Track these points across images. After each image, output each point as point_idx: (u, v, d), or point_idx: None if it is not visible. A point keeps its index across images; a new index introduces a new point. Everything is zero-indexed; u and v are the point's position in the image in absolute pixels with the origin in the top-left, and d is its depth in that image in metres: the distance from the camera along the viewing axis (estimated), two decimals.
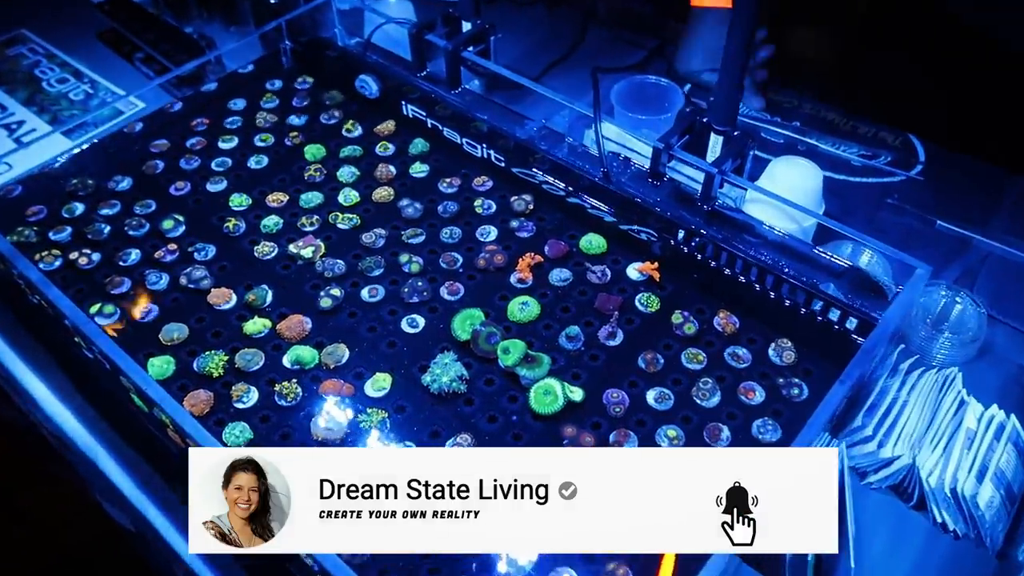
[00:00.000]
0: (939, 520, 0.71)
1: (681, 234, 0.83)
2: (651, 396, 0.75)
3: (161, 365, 0.77)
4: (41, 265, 0.87)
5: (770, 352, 0.78)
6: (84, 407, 0.83)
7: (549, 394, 0.74)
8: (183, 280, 0.85)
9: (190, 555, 0.73)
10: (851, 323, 0.75)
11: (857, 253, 0.87)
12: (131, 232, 0.91)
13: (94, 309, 0.82)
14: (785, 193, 0.84)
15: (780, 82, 1.18)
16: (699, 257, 0.83)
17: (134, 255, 0.88)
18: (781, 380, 0.75)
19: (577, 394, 0.74)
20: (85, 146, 1.00)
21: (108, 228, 0.91)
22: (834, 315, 0.76)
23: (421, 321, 0.81)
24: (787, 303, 0.79)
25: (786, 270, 0.79)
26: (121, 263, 0.87)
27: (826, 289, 0.77)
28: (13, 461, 1.64)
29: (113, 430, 0.81)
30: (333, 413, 0.74)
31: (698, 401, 0.74)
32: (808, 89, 1.17)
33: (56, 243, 0.90)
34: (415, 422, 0.74)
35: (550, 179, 0.92)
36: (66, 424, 0.81)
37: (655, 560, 0.64)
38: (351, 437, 0.73)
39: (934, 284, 0.85)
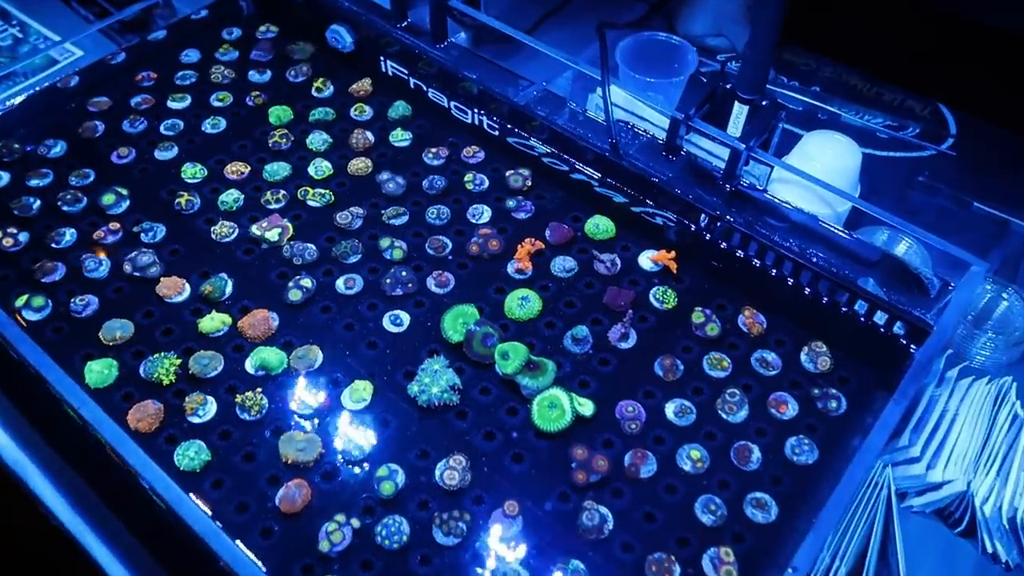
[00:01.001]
0: (990, 550, 0.63)
1: (704, 219, 0.73)
2: (670, 409, 0.66)
3: (101, 371, 0.66)
4: None
5: (802, 357, 0.69)
6: (11, 413, 0.71)
7: (555, 407, 0.64)
8: (127, 267, 0.73)
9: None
10: (899, 327, 0.66)
11: (893, 240, 0.78)
12: (65, 208, 0.78)
13: (20, 301, 0.70)
14: (819, 172, 0.74)
15: (795, 42, 1.07)
16: (723, 245, 0.73)
17: (68, 236, 0.76)
18: (816, 391, 0.66)
19: (587, 407, 0.65)
20: (14, 101, 0.86)
21: (38, 203, 0.78)
22: (880, 318, 0.67)
23: (406, 318, 0.71)
24: (824, 301, 0.70)
25: (823, 264, 0.70)
26: (54, 245, 0.75)
27: (864, 284, 0.68)
28: None
29: (46, 442, 0.70)
30: (306, 430, 0.64)
31: (723, 415, 0.65)
32: (828, 50, 1.06)
33: None
34: (400, 440, 0.64)
35: (551, 151, 0.81)
36: None
37: None
38: (327, 458, 0.62)
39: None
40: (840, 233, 0.72)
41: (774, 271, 0.71)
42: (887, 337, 0.67)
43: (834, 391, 0.66)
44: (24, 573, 1.30)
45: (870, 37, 1.08)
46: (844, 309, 0.68)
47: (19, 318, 0.69)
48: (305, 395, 0.65)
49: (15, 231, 0.75)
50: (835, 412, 0.65)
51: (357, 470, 0.62)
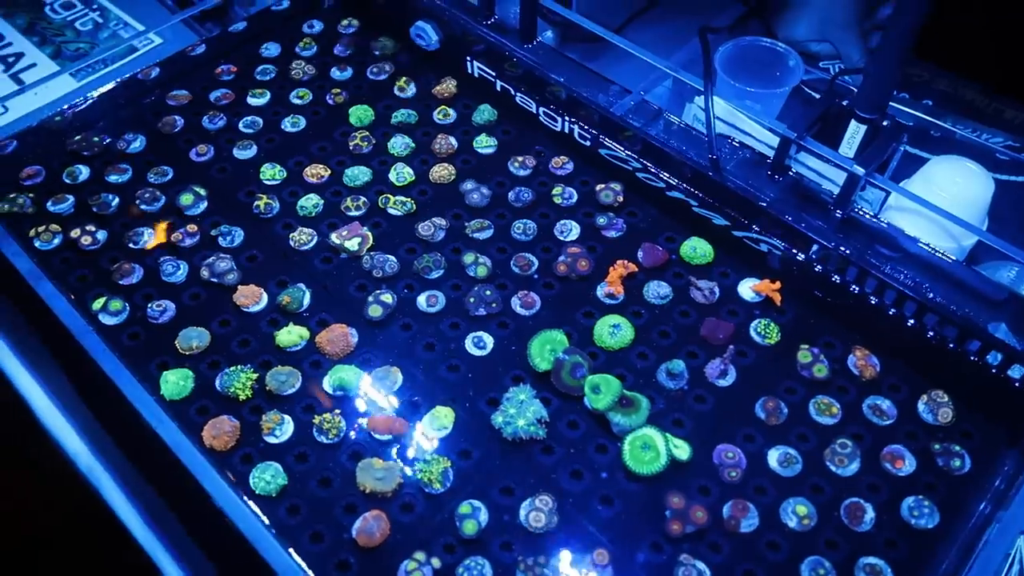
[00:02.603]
0: None
1: (815, 249, 0.68)
2: (774, 457, 0.61)
3: (177, 381, 0.64)
4: (38, 243, 0.73)
5: (920, 407, 0.63)
6: (87, 419, 0.70)
7: (649, 448, 0.60)
8: (205, 273, 0.71)
9: None
10: None
11: (1022, 278, 0.71)
12: (144, 206, 0.76)
13: (98, 304, 0.68)
14: (944, 202, 0.68)
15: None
16: (835, 279, 0.68)
17: (146, 236, 0.74)
18: (937, 446, 0.61)
19: (683, 451, 0.60)
20: (93, 94, 0.84)
21: (116, 200, 0.77)
22: (1016, 372, 0.60)
23: (489, 341, 0.67)
24: (950, 347, 0.63)
25: (940, 299, 0.63)
26: (132, 245, 0.73)
27: (994, 330, 0.62)
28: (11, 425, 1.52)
29: (119, 449, 0.68)
30: (384, 458, 0.61)
31: (832, 468, 0.60)
32: (943, 60, 0.99)
33: (55, 216, 0.75)
34: (482, 474, 0.60)
35: (645, 164, 0.76)
36: (66, 440, 0.69)
37: None
38: (406, 489, 0.59)
39: None
40: (965, 269, 0.66)
41: (892, 310, 0.65)
42: (1019, 390, 0.61)
43: (957, 447, 0.60)
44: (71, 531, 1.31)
45: (991, 47, 1.00)
46: (973, 358, 0.62)
47: (97, 322, 0.68)
48: (384, 421, 0.62)
49: (93, 229, 0.74)
50: (958, 471, 0.60)
51: (437, 504, 0.59)
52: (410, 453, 0.61)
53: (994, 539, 0.50)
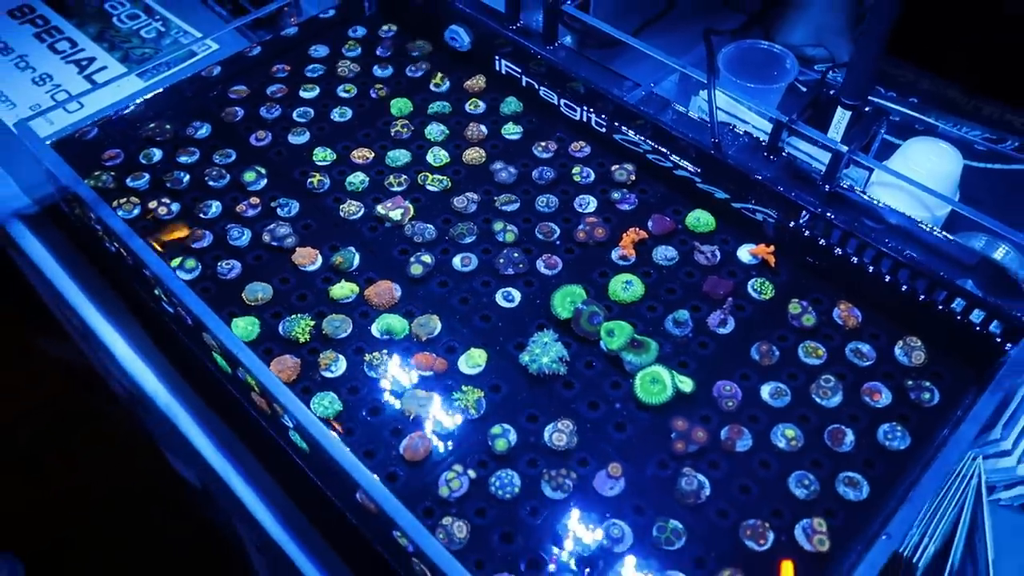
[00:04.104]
0: None
1: (805, 216, 0.77)
2: (766, 391, 0.69)
3: (246, 327, 0.74)
4: (120, 212, 0.83)
5: (896, 351, 0.72)
6: (161, 362, 0.80)
7: (657, 383, 0.69)
8: (266, 237, 0.81)
9: (266, 518, 0.70)
10: (995, 326, 0.69)
11: (991, 247, 0.80)
12: (211, 183, 0.86)
13: (175, 263, 0.78)
14: (919, 177, 0.77)
15: (894, 53, 1.09)
16: (821, 242, 0.77)
17: (215, 207, 0.84)
18: (910, 382, 0.69)
19: (687, 384, 0.69)
20: (161, 89, 0.95)
21: (187, 177, 0.87)
22: (977, 316, 0.69)
23: (517, 295, 0.76)
24: (921, 298, 0.72)
25: (917, 261, 0.72)
26: (201, 215, 0.83)
27: (963, 284, 0.71)
28: (67, 401, 1.65)
29: (191, 388, 0.78)
30: (426, 389, 0.70)
31: (817, 400, 0.69)
32: (928, 63, 1.08)
33: (134, 190, 0.86)
34: (512, 404, 0.69)
35: (655, 146, 0.86)
36: (144, 379, 0.79)
37: (772, 570, 0.60)
38: (444, 416, 0.68)
39: None
40: (938, 235, 0.75)
41: (871, 268, 0.74)
42: (983, 335, 0.69)
43: (928, 384, 0.69)
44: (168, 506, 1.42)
45: (970, 51, 1.09)
46: (940, 307, 0.71)
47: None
48: (426, 359, 0.71)
49: (168, 201, 0.84)
50: (928, 403, 0.68)
51: (473, 427, 0.68)
52: (448, 386, 0.70)
53: (944, 455, 0.58)
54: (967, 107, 1.04)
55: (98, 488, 1.58)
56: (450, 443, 0.67)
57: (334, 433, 0.62)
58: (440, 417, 0.68)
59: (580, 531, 0.62)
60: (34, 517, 1.54)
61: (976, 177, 0.95)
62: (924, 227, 0.76)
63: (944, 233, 0.75)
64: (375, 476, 0.59)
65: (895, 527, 0.54)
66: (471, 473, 0.65)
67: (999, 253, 0.79)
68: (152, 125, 0.92)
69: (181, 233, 0.82)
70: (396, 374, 0.71)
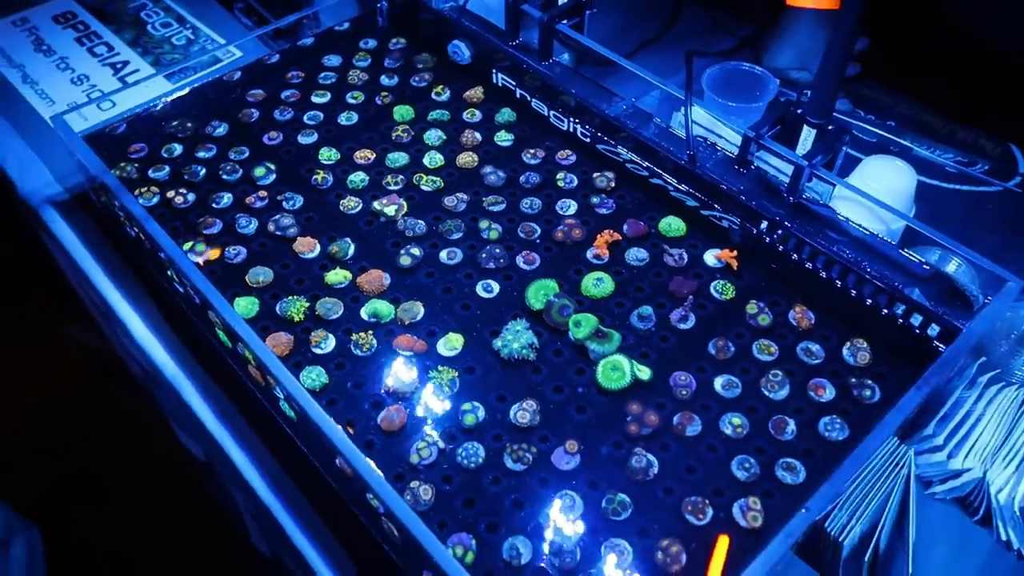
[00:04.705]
0: (1004, 538, 0.69)
1: (764, 224, 0.82)
2: (719, 383, 0.75)
3: (246, 305, 0.81)
4: (141, 200, 0.91)
5: (844, 351, 0.77)
6: (171, 338, 0.87)
7: (617, 370, 0.74)
8: (271, 227, 0.88)
9: (258, 484, 0.77)
10: (933, 330, 0.74)
11: (945, 260, 0.85)
12: (225, 176, 0.94)
13: (187, 246, 0.86)
14: (876, 192, 0.82)
15: (875, 78, 1.15)
16: (780, 249, 0.82)
17: (226, 199, 0.92)
18: (853, 380, 0.74)
19: (645, 373, 0.75)
20: (186, 91, 1.03)
21: (203, 171, 0.95)
22: (916, 320, 0.74)
23: (496, 287, 0.83)
24: (868, 303, 0.77)
25: (869, 270, 0.78)
26: (214, 205, 0.91)
27: (910, 294, 0.76)
28: (90, 386, 1.74)
29: (196, 362, 0.85)
30: (405, 367, 0.76)
31: (766, 392, 0.74)
32: (907, 89, 1.14)
33: (155, 181, 0.94)
34: (483, 384, 0.76)
35: (634, 158, 0.92)
36: (155, 353, 0.86)
37: (708, 542, 0.65)
38: (420, 391, 0.75)
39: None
40: (892, 247, 0.80)
41: (824, 273, 0.79)
42: (921, 338, 0.74)
43: (870, 381, 0.74)
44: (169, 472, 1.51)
45: (949, 79, 1.14)
46: (885, 311, 0.76)
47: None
48: (407, 341, 0.78)
49: (185, 192, 0.92)
50: (869, 400, 0.73)
51: (445, 403, 0.74)
52: (426, 366, 0.76)
53: (867, 441, 0.63)
54: (943, 131, 1.09)
55: (114, 471, 1.67)
56: (424, 416, 0.73)
57: (318, 405, 0.68)
58: (416, 393, 0.74)
59: (536, 499, 0.68)
60: (53, 497, 1.62)
61: (944, 196, 1.00)
62: (879, 239, 0.81)
63: (896, 245, 0.80)
64: (352, 444, 0.65)
65: (815, 502, 0.59)
66: (440, 443, 0.71)
67: (951, 266, 0.84)
68: (175, 123, 1.01)
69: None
70: (379, 353, 0.78)
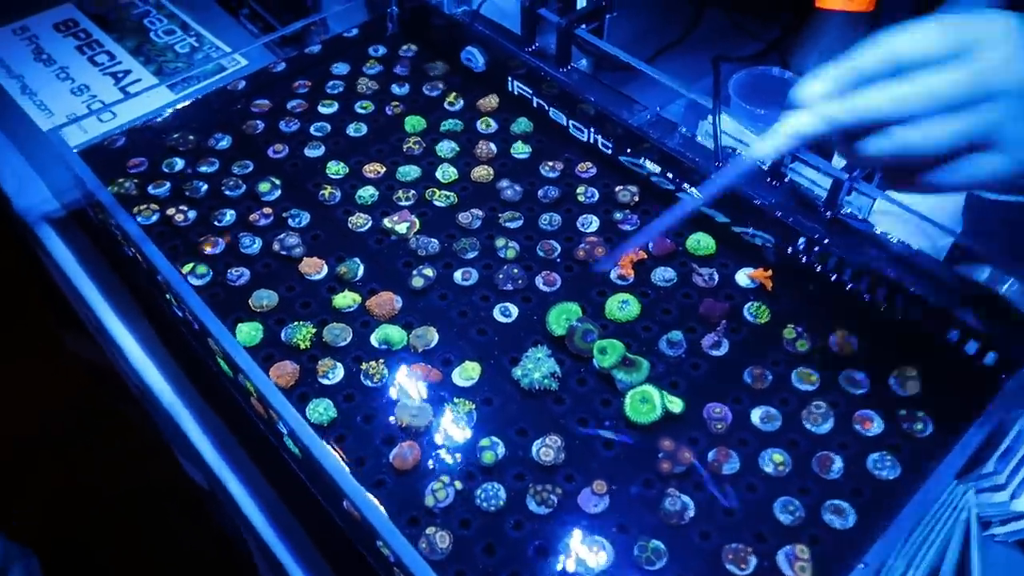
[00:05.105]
0: None
1: (801, 241, 0.77)
2: (756, 415, 0.69)
3: (249, 332, 0.76)
4: (139, 218, 0.86)
5: (891, 380, 0.71)
6: (169, 364, 0.82)
7: (647, 402, 0.69)
8: (276, 246, 0.83)
9: (260, 521, 0.72)
10: (990, 357, 0.68)
11: (995, 279, 0.79)
12: (228, 192, 0.90)
13: (187, 268, 0.81)
14: (919, 206, 0.77)
15: None
16: (818, 268, 0.77)
17: (229, 216, 0.87)
18: (903, 412, 0.69)
19: (676, 405, 0.69)
20: (188, 101, 0.99)
21: (205, 186, 0.90)
22: (971, 348, 0.69)
23: (514, 310, 0.78)
24: (917, 328, 0.72)
25: (916, 291, 0.72)
26: (216, 223, 0.86)
27: (962, 316, 0.70)
28: (89, 399, 1.70)
29: (196, 390, 0.80)
30: (419, 399, 0.71)
31: (808, 426, 0.69)
32: None
33: (155, 197, 0.89)
34: (501, 417, 0.70)
35: (659, 170, 0.87)
36: (151, 378, 0.81)
37: None
38: (436, 426, 0.70)
39: None
40: (940, 265, 0.75)
41: (868, 296, 0.74)
42: (978, 367, 0.69)
43: (921, 414, 0.68)
44: (171, 504, 1.46)
45: None
46: (936, 337, 0.70)
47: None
48: (421, 370, 0.73)
49: (185, 208, 0.87)
50: (920, 434, 0.68)
51: (462, 439, 0.69)
52: (441, 397, 0.71)
53: (927, 486, 0.58)
54: None
55: (116, 485, 1.63)
56: (440, 453, 0.68)
57: (325, 444, 0.63)
58: (431, 427, 0.69)
59: (562, 546, 0.62)
60: (53, 511, 1.59)
61: (994, 209, 0.94)
62: (925, 256, 0.75)
63: (944, 263, 0.75)
64: (361, 487, 0.60)
65: (872, 556, 0.54)
66: (457, 484, 0.66)
67: (1004, 286, 0.79)
68: (176, 135, 0.96)
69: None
70: (391, 383, 0.73)
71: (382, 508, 0.61)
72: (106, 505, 1.60)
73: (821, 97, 0.51)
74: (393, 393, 0.72)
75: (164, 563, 1.51)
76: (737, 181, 0.60)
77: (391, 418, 0.70)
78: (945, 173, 0.50)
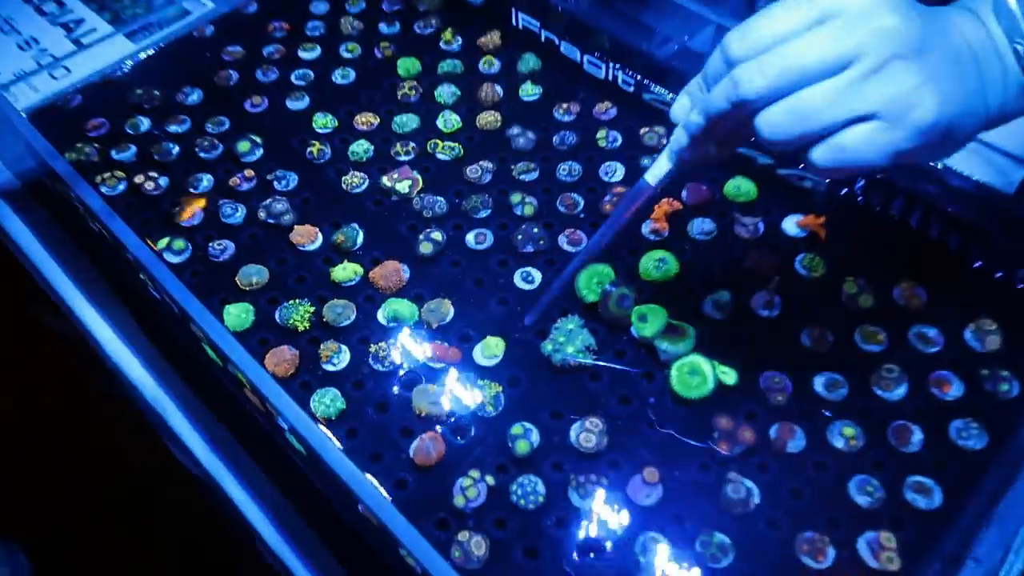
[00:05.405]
0: None
1: (859, 181, 0.68)
2: (819, 382, 0.62)
3: (239, 314, 0.67)
4: (104, 188, 0.76)
5: (967, 335, 0.63)
6: (151, 352, 0.73)
7: (696, 374, 0.61)
8: (262, 214, 0.73)
9: (268, 530, 0.64)
10: None
11: None
12: (203, 154, 0.79)
13: (162, 243, 0.72)
14: (989, 136, 0.68)
15: None
16: (877, 210, 0.68)
17: (206, 181, 0.77)
18: (984, 371, 0.61)
19: (730, 376, 0.61)
20: (151, 51, 0.88)
21: (177, 148, 0.80)
22: None
23: (537, 276, 0.69)
24: (992, 275, 0.64)
25: (989, 232, 0.64)
26: (192, 190, 0.76)
27: None
28: (78, 381, 1.60)
29: (183, 381, 0.71)
30: (439, 383, 0.63)
31: (879, 392, 0.61)
32: None
33: (120, 163, 0.79)
34: (532, 399, 0.62)
35: None
36: (131, 370, 0.72)
37: None
38: (458, 413, 0.61)
39: None
40: (1011, 201, 0.66)
41: (936, 240, 0.65)
42: None
43: (1005, 373, 0.61)
44: (164, 507, 1.38)
45: None
46: (1020, 284, 0.62)
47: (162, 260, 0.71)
48: (437, 349, 0.64)
49: (155, 175, 0.77)
50: (1006, 395, 0.60)
51: (491, 426, 0.61)
52: (463, 379, 0.63)
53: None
54: None
55: (103, 474, 1.54)
56: (466, 444, 0.60)
57: (333, 439, 0.55)
58: (455, 415, 0.61)
59: (613, 545, 0.55)
60: (42, 504, 1.50)
61: None
62: (997, 191, 0.67)
63: (1020, 199, 0.66)
64: (380, 488, 0.52)
65: (984, 550, 0.47)
66: (489, 480, 0.58)
67: None
68: (140, 91, 0.85)
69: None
70: (406, 367, 0.64)
71: (403, 519, 0.53)
72: (96, 496, 1.52)
73: (688, 111, 0.49)
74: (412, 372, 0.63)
75: (158, 549, 1.44)
76: (640, 207, 0.57)
77: (412, 405, 0.61)
78: (828, 151, 0.43)
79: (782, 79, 0.42)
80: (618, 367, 0.62)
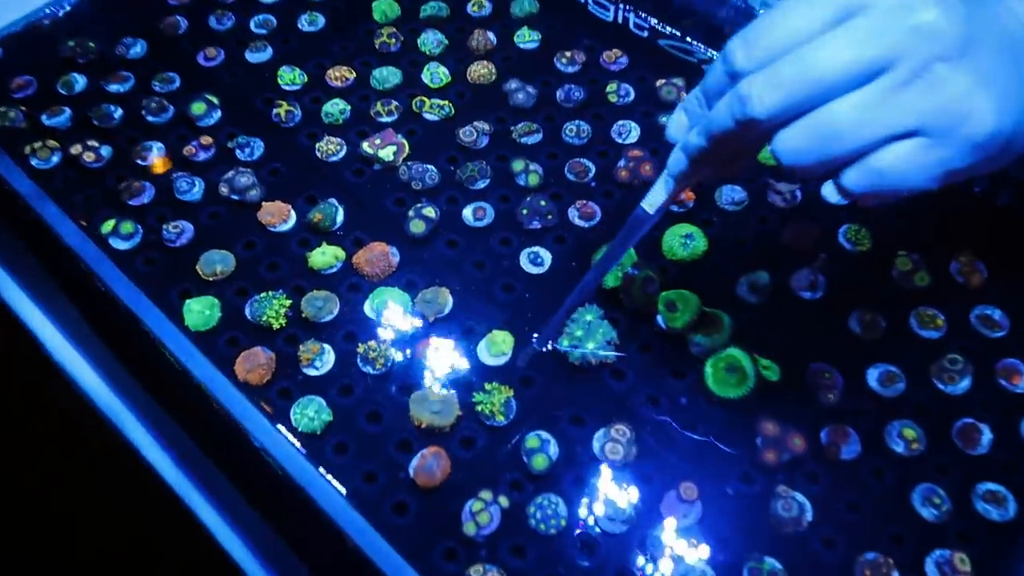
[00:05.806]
0: None
1: None
2: (873, 376, 0.54)
3: (202, 311, 0.57)
4: (34, 161, 0.65)
5: None
6: (103, 355, 0.64)
7: (735, 371, 0.53)
8: (224, 189, 0.63)
9: (240, 552, 0.56)
10: None
11: None
12: (151, 118, 0.68)
13: (107, 227, 0.61)
14: None
15: None
16: None
17: (156, 150, 0.66)
18: None
19: (773, 372, 0.54)
20: None
21: (120, 112, 0.69)
22: None
23: (547, 256, 0.60)
24: None
25: None
26: (140, 162, 0.66)
27: None
28: (10, 362, 1.46)
29: (142, 388, 0.62)
30: (440, 387, 0.54)
31: (940, 386, 0.54)
32: None
33: (52, 130, 0.68)
34: (546, 402, 0.54)
35: (711, 54, 0.67)
36: (82, 376, 0.63)
37: None
38: (465, 422, 0.53)
39: None
40: None
41: (996, 202, 0.58)
42: None
43: None
44: (125, 528, 1.27)
45: None
46: None
47: (108, 246, 0.61)
48: (436, 347, 0.56)
49: (96, 144, 0.66)
50: None
51: (501, 438, 0.53)
52: (467, 383, 0.55)
53: None
54: None
55: (47, 461, 1.42)
56: (475, 460, 0.52)
57: (312, 466, 0.47)
58: (460, 425, 0.53)
59: (649, 573, 0.48)
60: None
61: None
62: None
63: None
64: (367, 523, 0.44)
65: None
66: (503, 501, 0.50)
67: None
68: (72, 43, 0.73)
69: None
70: (400, 368, 0.56)
71: (399, 556, 0.46)
72: (24, 491, 1.39)
73: (687, 129, 0.42)
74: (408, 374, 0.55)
75: (111, 552, 1.33)
76: (640, 237, 0.49)
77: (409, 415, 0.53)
78: (863, 175, 0.36)
79: (800, 93, 0.34)
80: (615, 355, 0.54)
